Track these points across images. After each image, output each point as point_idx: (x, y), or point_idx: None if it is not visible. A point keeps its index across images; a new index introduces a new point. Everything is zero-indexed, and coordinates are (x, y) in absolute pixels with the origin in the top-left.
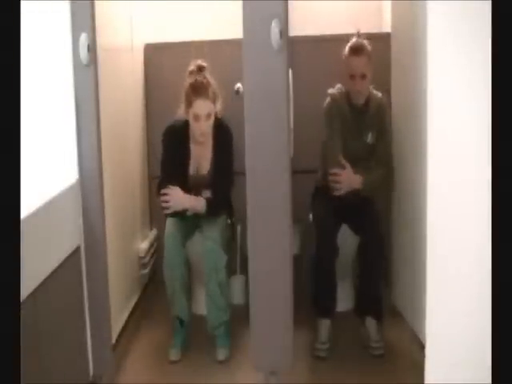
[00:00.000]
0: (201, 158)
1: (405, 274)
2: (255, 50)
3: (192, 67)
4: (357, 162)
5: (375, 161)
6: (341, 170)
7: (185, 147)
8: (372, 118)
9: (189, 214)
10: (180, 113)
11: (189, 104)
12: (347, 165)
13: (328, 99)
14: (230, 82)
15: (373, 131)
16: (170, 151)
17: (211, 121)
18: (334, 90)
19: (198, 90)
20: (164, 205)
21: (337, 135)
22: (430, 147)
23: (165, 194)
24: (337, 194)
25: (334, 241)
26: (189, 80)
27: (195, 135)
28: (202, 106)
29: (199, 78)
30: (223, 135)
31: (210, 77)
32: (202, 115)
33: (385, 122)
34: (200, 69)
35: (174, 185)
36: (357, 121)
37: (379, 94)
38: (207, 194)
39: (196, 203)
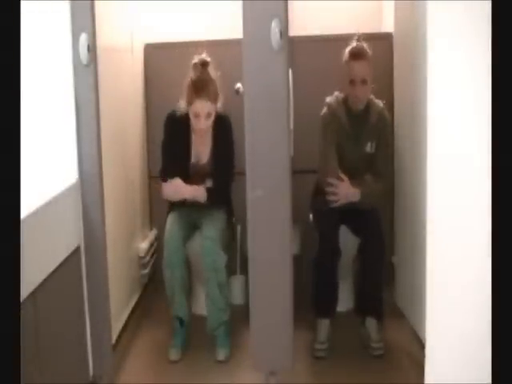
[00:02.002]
0: (201, 147)
1: (406, 274)
2: (255, 50)
3: (195, 61)
4: (355, 171)
5: (374, 173)
6: (338, 182)
7: (185, 136)
8: (372, 127)
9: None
10: (182, 103)
11: (189, 102)
12: (345, 178)
13: (324, 109)
14: (230, 81)
15: (372, 140)
16: (171, 140)
17: (211, 119)
18: (332, 98)
19: (198, 89)
20: (165, 196)
21: (332, 147)
22: (430, 149)
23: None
24: (333, 205)
25: (336, 242)
26: (191, 74)
27: (195, 130)
28: (202, 106)
29: (201, 76)
30: (223, 126)
31: (212, 73)
32: (202, 114)
33: (385, 132)
34: (203, 64)
35: (175, 173)
36: (356, 129)
37: (381, 104)
38: (209, 184)
39: (196, 192)
